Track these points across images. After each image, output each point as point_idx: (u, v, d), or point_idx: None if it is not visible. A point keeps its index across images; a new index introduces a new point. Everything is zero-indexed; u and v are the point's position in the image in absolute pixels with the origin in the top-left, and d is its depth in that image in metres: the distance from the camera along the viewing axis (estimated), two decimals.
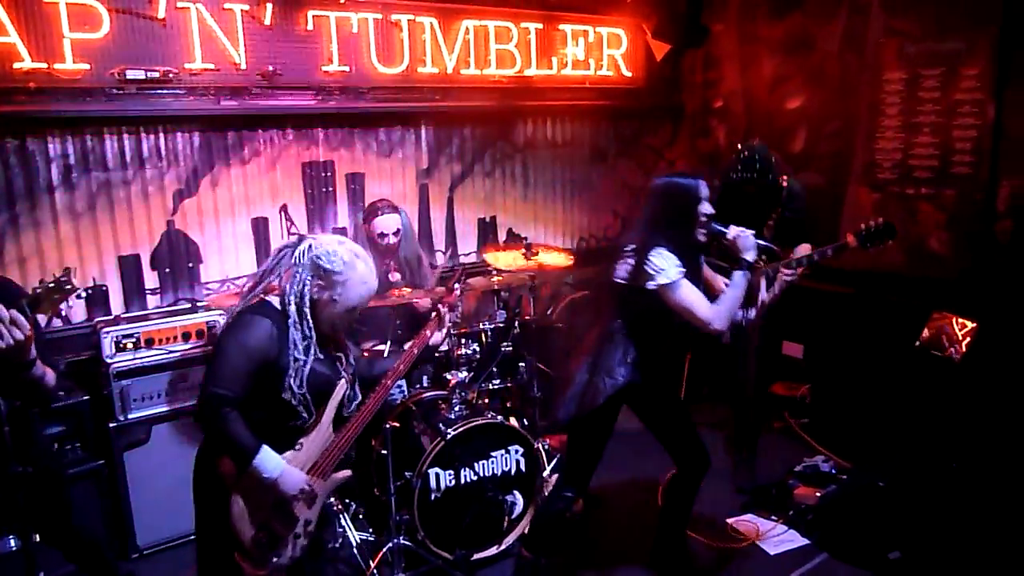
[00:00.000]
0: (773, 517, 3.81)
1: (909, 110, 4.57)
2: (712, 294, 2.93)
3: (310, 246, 2.30)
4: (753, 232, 2.89)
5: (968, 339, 4.04)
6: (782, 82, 5.35)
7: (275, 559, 2.25)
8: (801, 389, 5.06)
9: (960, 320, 4.11)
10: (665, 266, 2.77)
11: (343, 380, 2.40)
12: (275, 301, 2.32)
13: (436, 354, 3.20)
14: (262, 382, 2.22)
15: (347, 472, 2.44)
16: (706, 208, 2.88)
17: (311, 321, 2.27)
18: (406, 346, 2.77)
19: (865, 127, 4.84)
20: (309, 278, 2.28)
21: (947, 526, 3.31)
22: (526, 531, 3.48)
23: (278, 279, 2.35)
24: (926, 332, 4.24)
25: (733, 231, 2.89)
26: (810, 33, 5.13)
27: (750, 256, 2.86)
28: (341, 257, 2.29)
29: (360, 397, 2.51)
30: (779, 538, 3.66)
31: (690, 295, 2.80)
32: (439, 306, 2.85)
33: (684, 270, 2.79)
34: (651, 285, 2.78)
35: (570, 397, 2.96)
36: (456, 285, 3.07)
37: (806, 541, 3.62)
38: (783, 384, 5.28)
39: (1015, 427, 3.49)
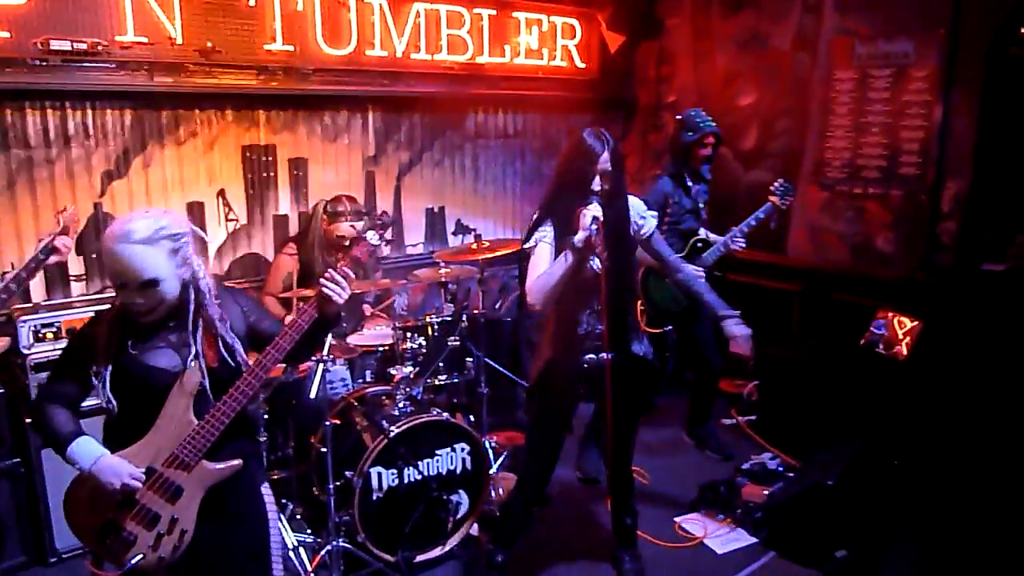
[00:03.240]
0: (720, 516, 3.78)
1: (859, 110, 4.60)
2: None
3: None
4: (598, 215, 2.57)
5: (910, 337, 4.09)
6: (735, 78, 5.34)
7: (132, 560, 2.04)
8: (748, 386, 5.07)
9: (903, 319, 4.15)
10: (539, 234, 2.74)
11: (191, 370, 2.11)
12: None
13: (338, 326, 2.79)
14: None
15: (233, 462, 2.16)
16: (602, 167, 2.66)
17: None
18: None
19: (816, 126, 4.86)
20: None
21: (893, 525, 3.33)
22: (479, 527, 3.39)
23: None
24: (872, 329, 4.28)
25: (588, 206, 2.62)
26: (763, 30, 5.13)
27: (579, 238, 2.58)
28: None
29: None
30: (726, 537, 3.63)
31: (536, 263, 2.71)
32: (329, 271, 2.24)
33: (548, 235, 2.71)
34: (527, 245, 2.76)
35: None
36: (369, 233, 2.37)
37: (754, 540, 3.59)
38: (730, 381, 5.29)
39: (957, 425, 3.52)
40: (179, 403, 2.11)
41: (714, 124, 4.10)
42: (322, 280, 2.16)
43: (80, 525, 2.08)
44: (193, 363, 2.12)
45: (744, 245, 4.12)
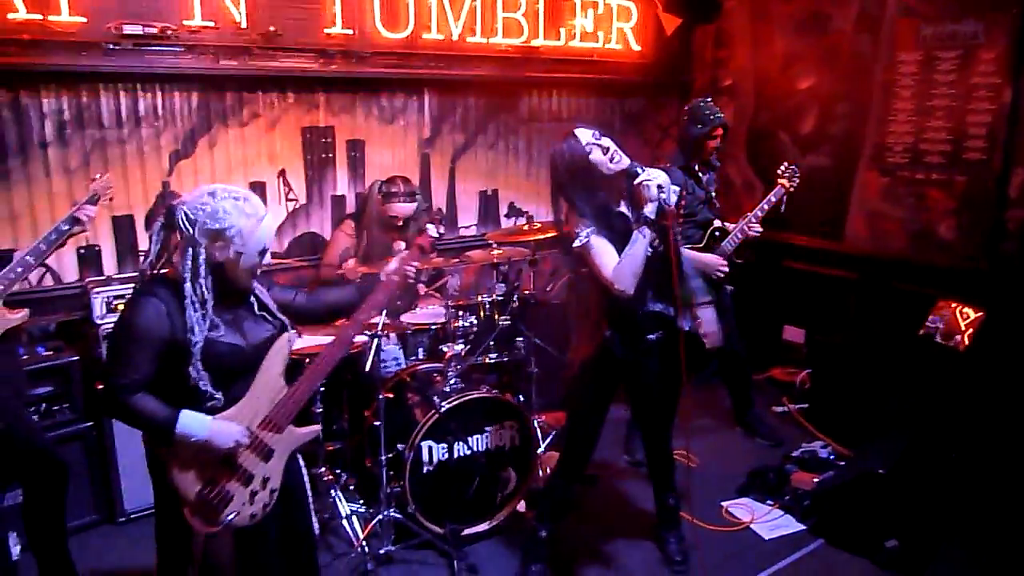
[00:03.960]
0: (769, 502, 3.77)
1: (923, 93, 4.48)
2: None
3: (185, 214, 2.08)
4: (662, 183, 2.60)
5: (973, 328, 3.99)
6: (793, 61, 5.24)
7: (230, 516, 2.15)
8: (801, 374, 5.02)
9: (965, 309, 4.05)
10: (580, 230, 2.70)
11: (287, 334, 2.26)
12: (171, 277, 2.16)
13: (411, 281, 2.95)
14: (168, 362, 2.08)
15: (315, 428, 2.32)
16: (600, 158, 2.70)
17: (209, 291, 2.10)
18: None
19: (877, 110, 4.75)
20: (204, 245, 2.08)
21: (946, 516, 3.28)
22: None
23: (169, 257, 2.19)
24: (930, 320, 4.19)
25: (642, 176, 2.63)
26: (824, 12, 5.02)
27: (650, 209, 2.60)
28: (223, 208, 2.09)
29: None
30: (774, 523, 3.62)
31: (600, 255, 2.68)
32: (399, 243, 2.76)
33: (593, 228, 2.70)
34: (576, 244, 2.72)
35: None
36: (430, 225, 2.70)
37: (802, 527, 3.57)
38: (782, 369, 5.24)
39: (1018, 418, 3.44)
40: (273, 369, 2.23)
41: (722, 116, 4.03)
42: (406, 269, 2.54)
43: (183, 483, 2.13)
44: (286, 332, 2.26)
45: (760, 231, 4.11)
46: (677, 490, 3.31)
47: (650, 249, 2.68)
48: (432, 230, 2.67)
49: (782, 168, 4.17)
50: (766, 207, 4.11)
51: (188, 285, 2.06)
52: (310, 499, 2.54)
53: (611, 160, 2.71)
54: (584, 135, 2.73)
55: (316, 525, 2.56)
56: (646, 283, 2.77)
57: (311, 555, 2.53)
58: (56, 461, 2.83)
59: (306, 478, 2.51)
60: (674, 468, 3.29)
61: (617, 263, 2.66)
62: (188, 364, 2.06)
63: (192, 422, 2.07)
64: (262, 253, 2.17)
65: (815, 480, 3.78)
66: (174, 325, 2.05)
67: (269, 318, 2.28)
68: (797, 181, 4.15)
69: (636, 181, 2.65)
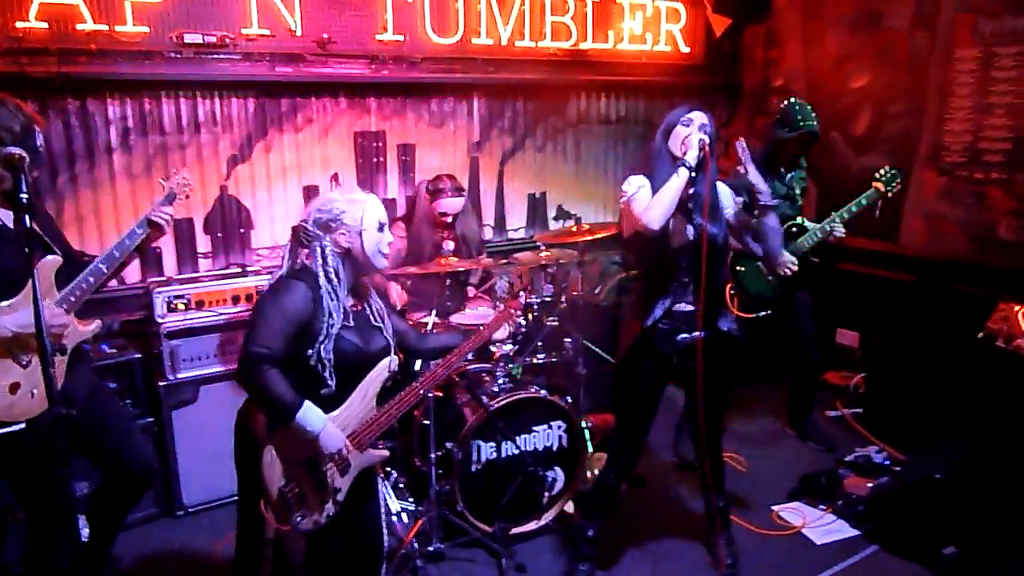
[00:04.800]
0: (821, 506, 3.71)
1: (982, 90, 4.37)
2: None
3: (303, 223, 2.32)
4: (704, 138, 2.74)
5: None
6: (847, 60, 5.15)
7: (299, 519, 2.24)
8: (855, 378, 4.92)
9: None
10: (630, 184, 2.83)
11: (391, 357, 2.40)
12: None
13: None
14: (298, 345, 2.22)
15: (384, 452, 2.44)
16: (683, 132, 2.79)
17: (340, 280, 2.29)
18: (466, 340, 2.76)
19: (934, 108, 4.64)
20: (328, 239, 2.30)
21: (1006, 523, 3.18)
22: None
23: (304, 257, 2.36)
24: (991, 323, 4.08)
25: (689, 132, 2.78)
26: (878, 10, 4.93)
27: (692, 155, 2.72)
28: (336, 201, 2.33)
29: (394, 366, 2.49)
30: (827, 527, 3.56)
31: (640, 200, 2.79)
32: (507, 305, 2.98)
33: (645, 184, 2.81)
34: (621, 201, 2.85)
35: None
36: (522, 293, 3.16)
37: (856, 532, 3.51)
38: (836, 373, 5.15)
39: None
40: (371, 387, 2.37)
41: (814, 124, 3.93)
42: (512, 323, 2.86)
43: (270, 476, 2.24)
44: (391, 353, 2.41)
45: (843, 232, 3.94)
46: (727, 493, 3.28)
47: (693, 235, 2.80)
48: (523, 298, 3.06)
49: (881, 171, 3.89)
50: (854, 209, 3.90)
51: (322, 277, 2.25)
52: (383, 513, 2.62)
53: (683, 142, 2.79)
54: (697, 116, 2.81)
55: (387, 539, 2.64)
56: (672, 272, 2.85)
57: (375, 568, 2.60)
58: (146, 467, 2.83)
59: (384, 494, 2.66)
60: (724, 470, 3.26)
61: (651, 201, 2.74)
62: (314, 347, 2.21)
63: (312, 415, 2.20)
64: (381, 228, 2.35)
65: (869, 485, 3.71)
66: (315, 310, 2.22)
67: (384, 331, 2.42)
68: (896, 187, 3.88)
69: (685, 136, 2.78)
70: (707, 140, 2.74)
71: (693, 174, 2.73)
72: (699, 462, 3.23)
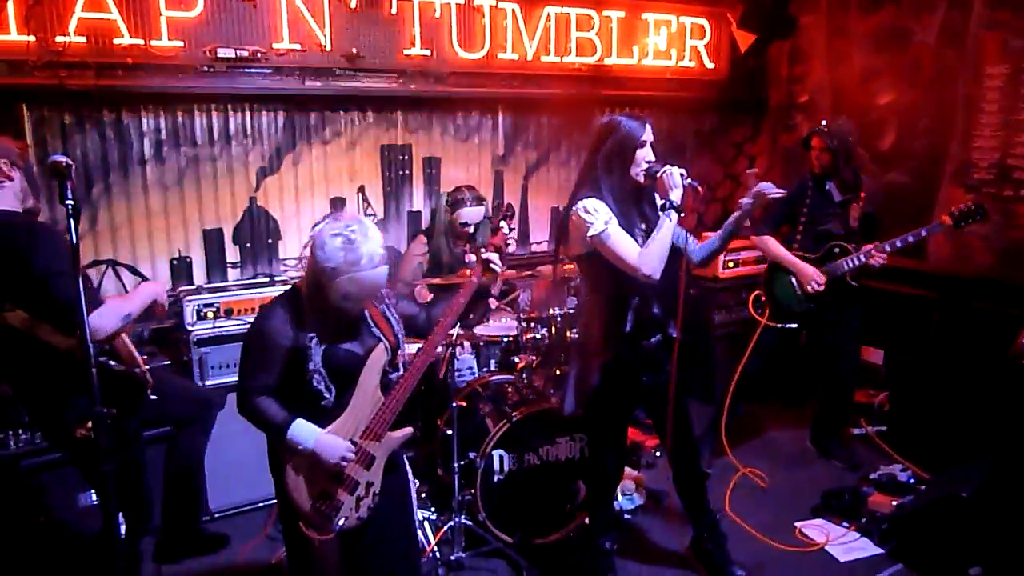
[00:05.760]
0: (845, 524, 3.68)
1: (1010, 107, 4.34)
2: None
3: (314, 235, 2.24)
4: (683, 171, 2.66)
5: None
6: (872, 77, 5.14)
7: (340, 523, 2.30)
8: (879, 396, 4.88)
9: None
10: (595, 215, 2.68)
11: (380, 346, 2.39)
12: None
13: (491, 296, 3.15)
14: (292, 366, 2.26)
15: (407, 430, 2.46)
16: (647, 154, 2.74)
17: (320, 304, 2.25)
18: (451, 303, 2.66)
19: (961, 125, 4.61)
20: (314, 267, 2.22)
21: None
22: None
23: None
24: (1020, 341, 4.03)
25: (665, 169, 2.68)
26: (904, 26, 4.92)
27: (675, 195, 2.64)
28: (334, 251, 2.17)
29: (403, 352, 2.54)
30: (850, 545, 3.53)
31: (620, 242, 2.68)
32: (481, 250, 2.79)
33: (611, 218, 2.70)
34: (590, 234, 2.69)
35: (568, 388, 3.02)
36: (502, 223, 2.92)
37: (880, 550, 3.47)
38: (860, 390, 5.10)
39: None
40: (370, 381, 2.38)
41: (827, 126, 3.96)
42: (484, 253, 2.65)
43: (297, 494, 2.31)
44: (379, 344, 2.40)
45: (882, 261, 3.84)
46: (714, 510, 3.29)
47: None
48: (505, 228, 2.87)
49: (960, 208, 3.70)
50: (911, 239, 3.77)
51: (306, 295, 2.28)
52: (414, 499, 2.69)
53: (648, 166, 2.73)
54: (647, 133, 2.75)
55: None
56: (633, 288, 2.80)
57: (412, 551, 2.66)
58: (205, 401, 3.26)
59: (411, 478, 2.69)
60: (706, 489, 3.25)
61: (644, 247, 2.68)
62: (308, 363, 2.24)
63: (302, 431, 2.26)
64: (346, 300, 2.23)
65: (894, 503, 3.67)
66: (297, 331, 2.25)
67: (377, 331, 2.44)
68: (967, 225, 3.72)
69: (659, 173, 2.70)
70: (693, 182, 2.66)
71: (682, 214, 2.69)
72: (678, 487, 3.23)
